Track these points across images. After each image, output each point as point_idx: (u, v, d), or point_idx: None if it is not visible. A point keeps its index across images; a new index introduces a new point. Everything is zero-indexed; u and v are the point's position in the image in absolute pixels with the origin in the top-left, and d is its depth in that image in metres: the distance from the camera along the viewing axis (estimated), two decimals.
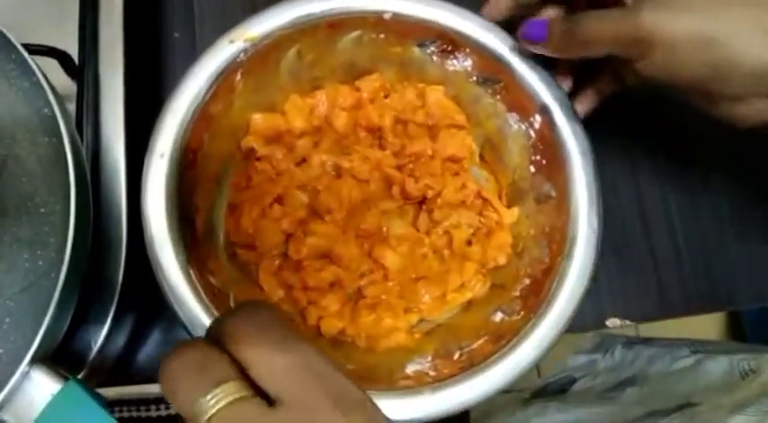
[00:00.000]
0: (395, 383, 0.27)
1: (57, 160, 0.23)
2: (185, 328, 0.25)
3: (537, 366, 0.27)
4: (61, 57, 0.31)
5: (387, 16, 0.30)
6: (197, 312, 0.25)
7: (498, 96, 0.32)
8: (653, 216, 0.38)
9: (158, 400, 0.81)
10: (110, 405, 0.22)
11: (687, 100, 0.27)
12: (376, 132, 0.33)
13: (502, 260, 0.31)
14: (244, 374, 0.17)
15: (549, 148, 0.30)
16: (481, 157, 0.34)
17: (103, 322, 0.28)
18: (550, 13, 0.30)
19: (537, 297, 0.28)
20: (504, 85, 0.31)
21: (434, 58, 0.32)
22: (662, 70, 0.25)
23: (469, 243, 0.32)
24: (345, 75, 0.33)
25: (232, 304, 0.28)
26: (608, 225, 0.29)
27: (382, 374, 0.28)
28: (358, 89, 0.33)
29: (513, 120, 0.32)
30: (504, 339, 0.27)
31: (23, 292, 0.22)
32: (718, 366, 0.39)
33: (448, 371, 0.27)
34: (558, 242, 0.29)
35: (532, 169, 0.31)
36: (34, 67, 0.24)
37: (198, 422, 0.16)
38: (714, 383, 0.38)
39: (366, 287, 0.31)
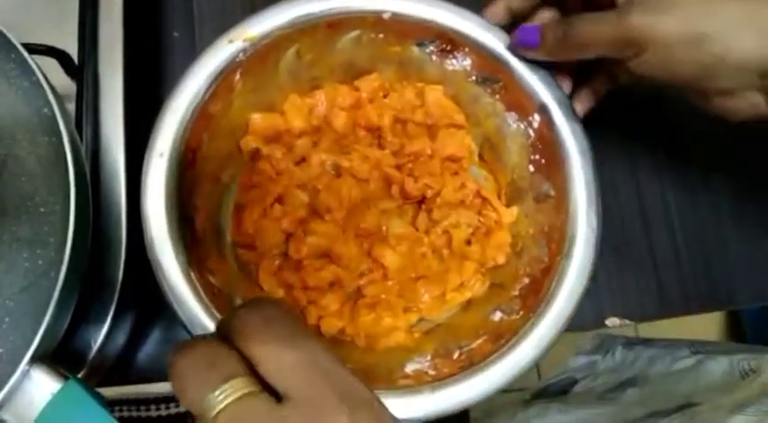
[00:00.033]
0: (394, 383, 0.27)
1: (56, 160, 0.24)
2: (185, 327, 0.25)
3: (537, 367, 0.27)
4: (61, 56, 0.31)
5: (386, 16, 0.30)
6: (196, 312, 0.25)
7: (497, 96, 0.32)
8: (652, 215, 0.38)
9: (158, 400, 0.81)
10: (109, 404, 0.22)
11: (681, 96, 0.27)
12: (375, 132, 0.33)
13: (501, 259, 0.31)
14: (252, 371, 0.17)
15: (548, 148, 0.30)
16: (480, 156, 0.34)
17: (103, 321, 0.28)
18: (544, 17, 0.30)
19: (536, 296, 0.28)
20: (503, 84, 0.31)
21: (433, 57, 0.32)
22: (656, 69, 0.25)
23: (469, 242, 0.32)
24: (344, 74, 0.33)
25: (238, 302, 0.28)
26: (607, 224, 0.29)
27: (382, 374, 0.28)
28: (357, 89, 0.33)
29: (511, 119, 0.32)
30: (503, 339, 0.27)
31: (23, 291, 0.22)
32: (718, 366, 0.39)
33: (447, 370, 0.27)
34: (557, 241, 0.29)
35: (531, 168, 0.31)
36: (34, 66, 0.24)
37: (207, 417, 0.16)
38: (714, 384, 0.38)
39: (365, 286, 0.31)
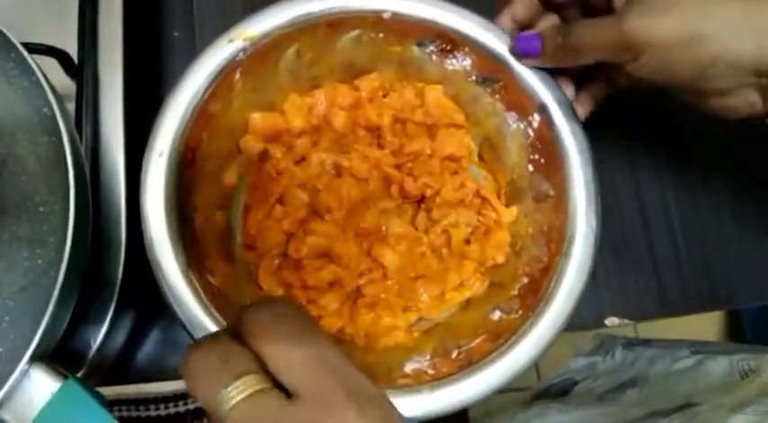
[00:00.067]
0: (394, 382, 0.27)
1: (56, 159, 0.24)
2: (184, 327, 0.25)
3: (536, 367, 0.27)
4: (61, 56, 0.31)
5: (386, 16, 0.30)
6: (196, 312, 0.25)
7: (497, 96, 0.32)
8: (652, 215, 0.38)
9: (157, 400, 0.81)
10: (109, 404, 0.22)
11: (679, 96, 0.27)
12: (375, 131, 0.33)
13: (500, 259, 0.31)
14: (263, 368, 0.17)
15: (547, 148, 0.30)
16: (480, 156, 0.34)
17: (103, 321, 0.28)
18: (543, 25, 0.31)
19: (535, 296, 0.28)
20: (503, 84, 0.31)
21: (433, 57, 0.32)
22: (654, 71, 0.25)
23: (468, 242, 0.32)
24: (344, 74, 0.33)
25: (237, 302, 0.28)
26: (607, 224, 0.29)
27: (381, 373, 0.28)
28: (357, 88, 0.33)
29: (511, 119, 0.32)
30: (502, 338, 0.27)
31: (23, 290, 0.23)
32: (718, 366, 0.39)
33: (446, 369, 0.27)
34: (556, 241, 0.29)
35: (531, 168, 0.31)
36: (34, 66, 0.24)
37: (219, 413, 0.17)
38: (714, 384, 0.38)
39: (365, 286, 0.31)
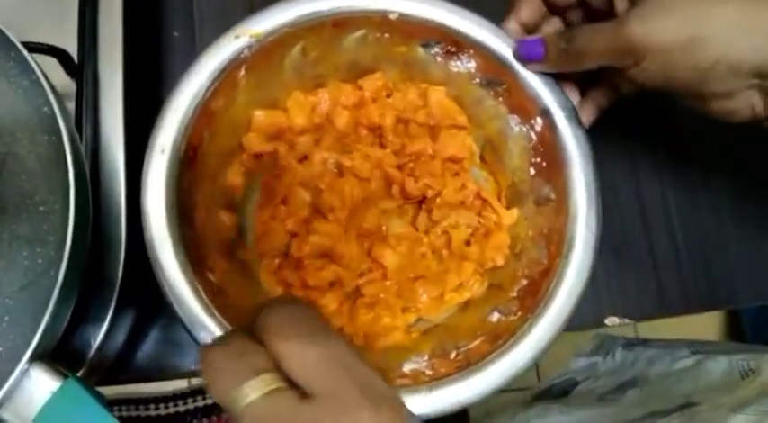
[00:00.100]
0: (392, 382, 0.27)
1: (56, 159, 0.24)
2: (185, 326, 0.25)
3: (536, 367, 0.27)
4: (61, 55, 0.31)
5: (392, 16, 0.30)
6: (197, 311, 0.25)
7: (500, 98, 0.32)
8: (652, 215, 0.38)
9: (157, 399, 0.81)
10: (109, 404, 0.22)
11: (681, 100, 0.27)
12: (377, 131, 0.33)
13: (500, 261, 0.31)
14: (277, 367, 0.17)
15: (549, 151, 0.30)
16: (481, 158, 0.34)
17: (103, 320, 0.28)
18: (546, 29, 0.31)
19: (534, 298, 0.28)
20: (507, 87, 0.31)
21: (438, 58, 0.32)
22: (655, 76, 0.26)
23: (468, 243, 0.32)
24: (348, 73, 0.33)
25: (235, 300, 0.28)
26: (607, 224, 0.29)
27: (379, 373, 0.28)
28: (360, 88, 0.33)
29: (514, 122, 0.32)
30: (500, 339, 0.27)
31: (23, 290, 0.23)
32: (717, 366, 0.39)
33: (444, 370, 0.27)
34: (556, 244, 0.29)
35: (532, 171, 0.31)
36: (34, 65, 0.24)
37: (234, 410, 0.17)
38: (714, 383, 0.38)
39: (364, 286, 0.31)
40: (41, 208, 0.23)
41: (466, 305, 0.31)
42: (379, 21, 0.30)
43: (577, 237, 0.28)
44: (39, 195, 0.24)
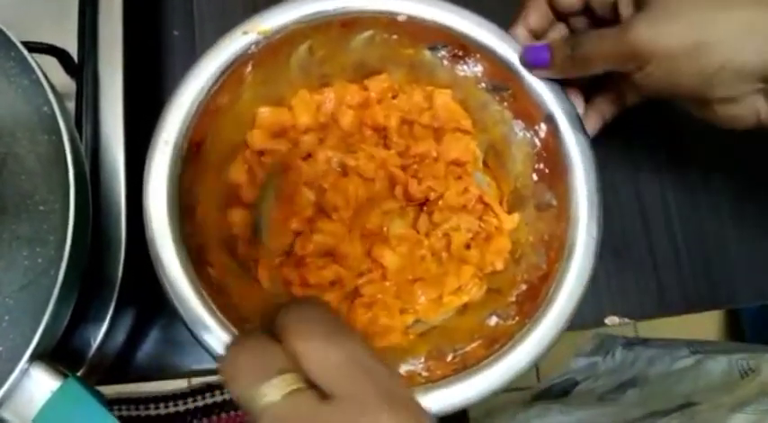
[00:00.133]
0: None
1: (56, 158, 0.24)
2: (185, 324, 0.25)
3: (537, 367, 0.27)
4: (61, 55, 0.31)
5: (401, 18, 0.30)
6: (199, 311, 0.25)
7: (505, 103, 0.32)
8: (652, 214, 0.38)
9: (157, 399, 0.81)
10: (109, 403, 0.23)
11: (685, 107, 0.28)
12: (381, 132, 0.33)
13: (499, 265, 0.31)
14: (297, 367, 0.17)
15: (552, 158, 0.30)
16: (484, 162, 0.34)
17: (103, 320, 0.28)
18: (552, 35, 0.31)
19: (533, 303, 0.28)
20: (513, 92, 0.31)
21: (445, 62, 0.32)
22: (660, 81, 0.26)
23: (468, 247, 0.32)
24: (355, 73, 0.33)
25: (233, 297, 0.28)
26: (607, 224, 0.29)
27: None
28: (366, 88, 0.33)
29: (518, 127, 0.32)
30: (497, 343, 0.27)
31: (23, 289, 0.23)
32: (717, 366, 0.39)
33: (440, 372, 0.26)
34: (556, 249, 0.29)
35: (535, 177, 0.31)
36: (34, 64, 0.24)
37: (254, 409, 0.17)
38: (714, 383, 0.39)
39: (363, 286, 0.31)
40: (41, 208, 0.23)
41: (464, 308, 0.31)
42: (386, 22, 0.30)
43: (578, 243, 0.28)
44: (39, 195, 0.24)
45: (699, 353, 0.42)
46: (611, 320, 0.36)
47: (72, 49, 0.31)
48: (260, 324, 0.19)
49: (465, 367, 0.26)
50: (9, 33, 0.25)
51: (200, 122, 0.28)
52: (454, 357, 0.28)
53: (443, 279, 0.31)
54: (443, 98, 0.33)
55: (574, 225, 0.28)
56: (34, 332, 0.22)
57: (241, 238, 0.30)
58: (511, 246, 0.32)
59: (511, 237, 0.32)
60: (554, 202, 0.30)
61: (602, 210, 0.29)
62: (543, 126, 0.30)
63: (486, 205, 0.32)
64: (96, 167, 0.30)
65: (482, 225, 0.32)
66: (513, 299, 0.29)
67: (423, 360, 0.28)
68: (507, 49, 0.30)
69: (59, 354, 0.24)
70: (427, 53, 0.32)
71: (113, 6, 0.32)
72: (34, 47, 0.28)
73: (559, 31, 0.31)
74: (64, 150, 0.23)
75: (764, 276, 0.38)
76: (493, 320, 0.29)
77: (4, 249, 0.23)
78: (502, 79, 0.31)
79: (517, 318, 0.28)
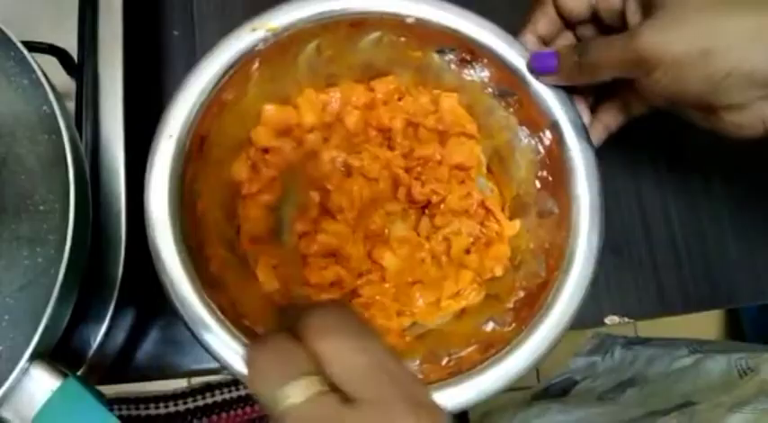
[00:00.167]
0: None
1: (56, 158, 0.24)
2: (185, 323, 0.25)
3: (537, 368, 0.27)
4: (60, 54, 0.31)
5: (409, 20, 0.30)
6: (198, 311, 0.25)
7: (511, 109, 0.31)
8: (652, 214, 0.38)
9: (157, 398, 0.81)
10: (109, 403, 0.23)
11: (691, 119, 0.27)
12: (386, 133, 0.33)
13: (499, 271, 0.31)
14: (319, 370, 0.18)
15: (556, 166, 0.30)
16: (488, 168, 0.34)
17: (103, 319, 0.28)
18: (559, 43, 0.31)
19: (530, 310, 0.28)
20: (519, 98, 0.31)
21: (452, 66, 0.32)
22: (668, 87, 0.25)
23: (468, 251, 0.32)
24: (362, 74, 0.33)
25: (231, 292, 0.27)
26: (607, 223, 0.29)
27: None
28: (372, 89, 0.33)
29: (523, 134, 0.31)
30: (493, 348, 0.27)
31: (23, 289, 0.23)
32: (716, 365, 0.39)
33: (435, 376, 0.26)
34: (555, 258, 0.29)
35: (538, 184, 0.31)
36: (33, 64, 0.24)
37: (276, 410, 0.17)
38: (713, 382, 0.39)
39: (362, 287, 0.31)
40: (41, 207, 0.23)
41: (461, 313, 0.31)
42: (395, 24, 0.30)
43: (578, 253, 0.28)
44: (39, 195, 0.24)
45: (698, 352, 0.42)
46: (611, 320, 0.36)
47: (72, 48, 0.31)
48: (279, 324, 0.19)
49: (460, 371, 0.26)
50: (9, 33, 0.25)
51: (205, 117, 0.27)
52: (449, 361, 0.28)
53: (442, 283, 0.31)
54: (450, 102, 0.33)
55: (575, 234, 0.28)
56: (34, 332, 0.22)
57: (250, 235, 0.30)
58: (511, 252, 0.32)
59: (511, 243, 0.32)
60: (555, 210, 0.30)
61: (603, 220, 0.28)
62: (548, 133, 0.30)
63: (488, 211, 0.32)
64: (96, 167, 0.30)
65: (483, 230, 0.32)
66: (511, 305, 0.29)
67: (418, 363, 0.28)
68: (515, 55, 0.30)
69: (59, 353, 0.24)
70: (435, 56, 0.32)
71: (113, 6, 0.32)
72: (34, 46, 0.28)
73: (566, 39, 0.31)
74: (64, 150, 0.23)
75: (764, 276, 0.38)
76: (489, 326, 0.29)
77: (3, 249, 0.23)
78: (509, 85, 0.31)
79: (514, 324, 0.28)
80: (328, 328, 0.18)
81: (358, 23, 0.30)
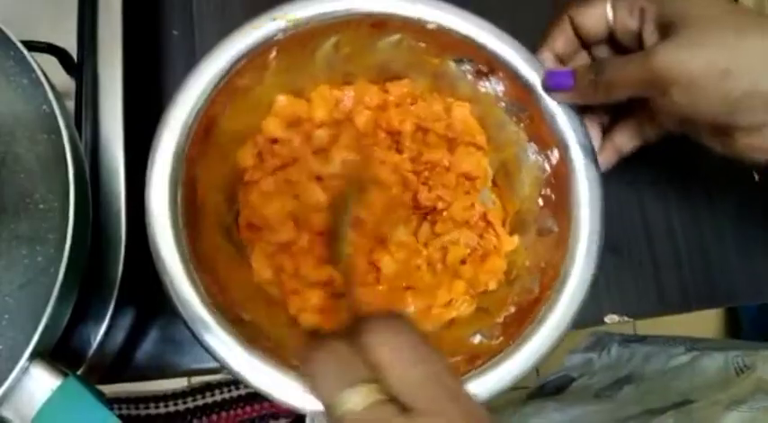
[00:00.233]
0: None
1: (56, 157, 0.24)
2: (184, 322, 0.25)
3: (536, 369, 0.27)
4: (60, 54, 0.31)
5: (431, 27, 0.30)
6: (198, 310, 0.25)
7: (522, 125, 0.32)
8: (651, 214, 0.38)
9: (157, 398, 0.82)
10: (109, 402, 0.23)
11: (705, 142, 0.27)
12: (395, 136, 0.33)
13: (492, 285, 0.31)
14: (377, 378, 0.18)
15: (560, 185, 0.30)
16: (493, 181, 0.34)
17: (103, 319, 0.28)
18: (575, 62, 0.31)
19: (519, 326, 0.28)
20: (530, 115, 0.31)
21: (468, 76, 0.32)
22: (684, 107, 0.25)
23: (464, 262, 0.32)
24: (378, 75, 0.33)
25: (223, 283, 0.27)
26: (607, 224, 0.29)
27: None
28: (386, 91, 0.33)
29: (531, 150, 0.32)
30: (479, 360, 0.27)
31: (22, 288, 0.23)
32: (713, 363, 0.39)
33: None
34: (550, 276, 0.29)
35: (541, 203, 0.31)
36: (33, 64, 0.24)
37: (335, 413, 0.17)
38: (709, 380, 0.39)
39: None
40: (41, 206, 0.23)
41: (450, 323, 0.31)
42: (416, 28, 0.30)
43: (572, 273, 0.28)
44: (38, 194, 0.24)
45: (695, 350, 0.42)
46: (611, 319, 0.36)
47: (71, 48, 0.31)
48: (335, 331, 0.20)
49: None
50: (8, 32, 0.25)
51: (216, 100, 0.27)
52: None
53: (435, 291, 0.31)
54: (462, 111, 0.33)
55: (571, 256, 0.28)
56: (34, 331, 0.22)
57: (249, 222, 0.30)
58: (506, 267, 0.32)
59: (508, 258, 0.32)
60: (555, 229, 0.30)
61: (602, 244, 0.28)
62: (556, 152, 0.30)
63: (489, 223, 0.32)
64: (96, 166, 0.30)
65: (481, 242, 0.32)
66: (501, 320, 0.29)
67: None
68: (531, 72, 0.30)
69: (59, 353, 0.24)
70: (452, 65, 0.32)
71: (113, 5, 0.32)
72: (34, 46, 0.28)
73: (582, 59, 0.31)
74: (63, 149, 0.23)
75: (763, 276, 0.38)
76: (477, 338, 0.29)
77: (3, 248, 0.23)
78: (522, 101, 0.31)
79: (501, 338, 0.28)
80: (388, 337, 0.18)
81: (379, 24, 0.30)
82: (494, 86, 0.32)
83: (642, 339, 0.49)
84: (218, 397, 0.79)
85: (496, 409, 0.50)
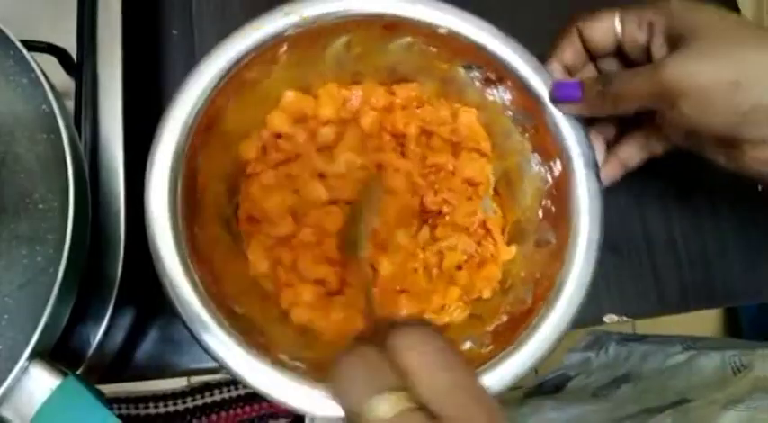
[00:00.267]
0: None
1: (55, 157, 0.24)
2: (183, 321, 0.25)
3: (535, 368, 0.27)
4: (60, 54, 0.31)
5: (442, 31, 0.30)
6: (197, 309, 0.25)
7: (527, 135, 0.32)
8: (651, 214, 0.38)
9: (157, 398, 0.82)
10: (108, 402, 0.23)
11: (712, 157, 0.27)
12: (400, 139, 0.33)
13: (487, 293, 0.31)
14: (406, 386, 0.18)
15: (561, 198, 0.30)
16: (495, 189, 0.34)
17: (102, 318, 0.28)
18: (582, 75, 0.31)
19: (510, 335, 0.28)
20: (536, 125, 0.31)
21: (476, 83, 0.32)
22: (692, 120, 0.25)
23: (459, 267, 0.32)
24: (386, 77, 0.33)
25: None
26: (606, 223, 0.29)
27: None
28: (393, 93, 0.33)
29: (534, 161, 0.32)
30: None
31: (22, 288, 0.23)
32: (710, 362, 0.40)
33: None
34: (544, 288, 0.29)
35: (540, 214, 0.31)
36: (33, 63, 0.24)
37: (361, 419, 0.17)
38: (707, 379, 0.39)
39: (349, 287, 0.30)
40: (40, 206, 0.24)
41: (442, 328, 0.31)
42: (427, 32, 0.30)
43: (567, 284, 0.28)
44: (38, 194, 0.24)
45: (692, 349, 0.42)
46: (610, 318, 0.36)
47: (71, 47, 0.31)
48: (361, 338, 0.20)
49: None
50: (8, 32, 0.25)
51: (223, 89, 0.27)
52: None
53: (429, 296, 0.31)
54: (468, 117, 0.33)
55: (567, 269, 0.28)
56: (34, 330, 0.22)
57: (248, 214, 0.30)
58: (501, 276, 0.32)
59: (504, 267, 0.32)
60: (553, 241, 0.30)
61: (598, 259, 0.28)
62: (559, 164, 0.30)
63: (488, 231, 0.32)
64: (95, 166, 0.30)
65: (478, 249, 0.32)
66: (492, 328, 0.30)
67: None
68: (539, 83, 0.30)
69: (59, 352, 0.24)
70: (461, 71, 0.32)
71: (112, 5, 0.32)
72: (33, 46, 0.28)
73: (589, 72, 0.31)
74: (63, 149, 0.23)
75: (762, 275, 0.38)
76: (467, 345, 0.29)
77: (3, 248, 0.23)
78: (528, 111, 0.31)
79: (491, 347, 0.28)
80: (416, 341, 0.18)
81: (391, 26, 0.30)
82: (501, 95, 0.32)
83: (640, 338, 0.49)
84: (217, 397, 0.79)
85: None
